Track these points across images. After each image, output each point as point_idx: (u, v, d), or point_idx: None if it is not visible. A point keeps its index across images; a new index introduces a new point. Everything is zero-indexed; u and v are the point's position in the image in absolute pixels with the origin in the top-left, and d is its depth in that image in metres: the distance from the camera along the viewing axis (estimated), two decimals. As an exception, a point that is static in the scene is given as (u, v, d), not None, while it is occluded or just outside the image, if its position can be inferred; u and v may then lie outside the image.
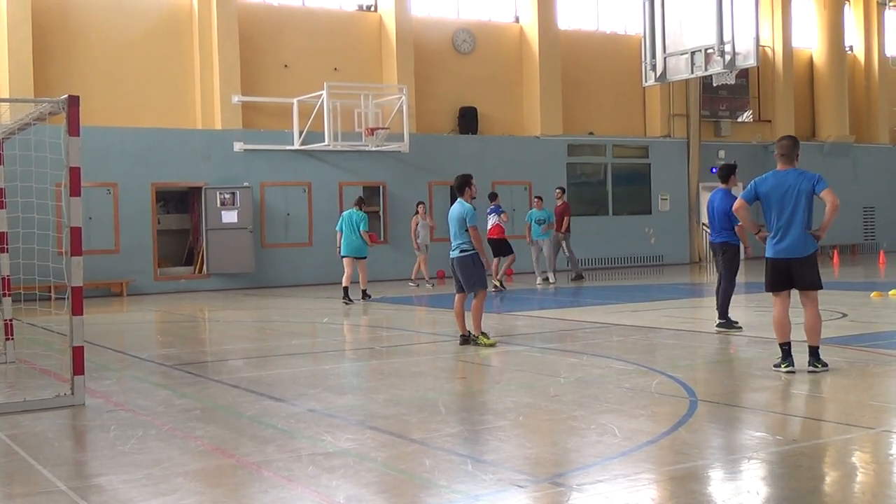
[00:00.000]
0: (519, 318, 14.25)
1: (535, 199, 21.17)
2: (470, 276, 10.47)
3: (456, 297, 10.77)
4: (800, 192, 8.11)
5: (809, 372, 8.12)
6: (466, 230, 10.39)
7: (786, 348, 8.26)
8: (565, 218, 20.95)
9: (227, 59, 21.56)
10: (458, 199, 10.63)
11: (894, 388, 8.00)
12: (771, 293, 8.42)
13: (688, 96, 27.65)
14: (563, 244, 21.20)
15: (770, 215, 8.26)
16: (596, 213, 26.46)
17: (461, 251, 10.45)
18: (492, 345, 10.39)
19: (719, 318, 11.41)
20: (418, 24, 24.32)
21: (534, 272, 21.09)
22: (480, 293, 10.50)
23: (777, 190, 8.17)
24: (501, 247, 19.15)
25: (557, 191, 21.71)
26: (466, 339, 10.59)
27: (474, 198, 10.68)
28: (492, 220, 19.27)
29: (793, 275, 8.25)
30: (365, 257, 17.32)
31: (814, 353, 8.23)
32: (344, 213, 17.72)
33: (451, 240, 10.58)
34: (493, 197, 19.93)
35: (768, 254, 8.35)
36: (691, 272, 24.51)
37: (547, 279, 20.58)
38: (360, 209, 17.27)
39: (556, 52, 25.82)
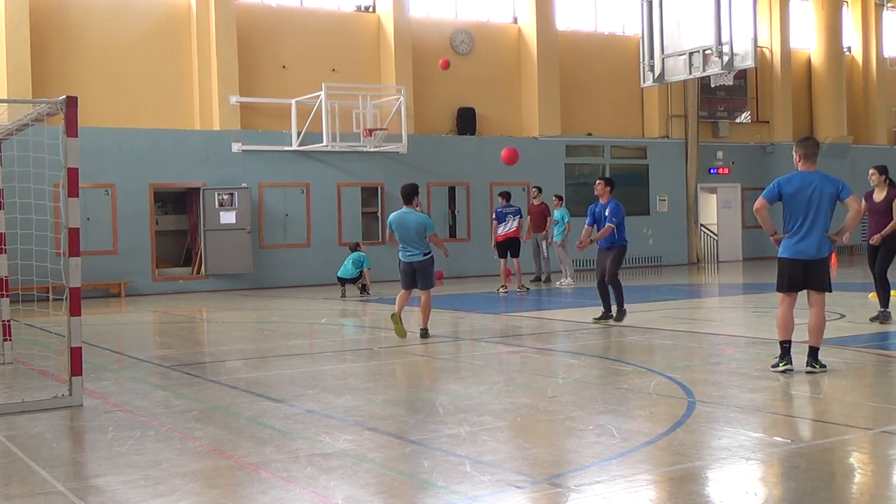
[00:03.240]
0: (517, 318, 14.25)
1: (554, 199, 20.97)
2: (431, 276, 11.63)
3: (401, 293, 11.66)
4: (824, 194, 8.14)
5: (807, 372, 8.13)
6: (426, 237, 11.44)
7: (786, 346, 8.27)
8: (547, 218, 20.71)
9: (225, 60, 21.56)
10: (407, 208, 11.47)
11: (892, 388, 8.01)
12: (780, 293, 8.42)
13: (686, 97, 27.67)
14: (542, 245, 21.00)
15: (792, 216, 8.24)
16: (594, 214, 26.42)
17: (424, 255, 11.50)
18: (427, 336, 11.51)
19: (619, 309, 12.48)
20: (416, 24, 24.32)
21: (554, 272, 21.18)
22: (430, 291, 11.67)
23: (803, 191, 8.16)
24: (514, 246, 19.03)
25: (534, 190, 21.09)
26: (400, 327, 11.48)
27: (419, 206, 11.87)
28: (514, 223, 19.01)
29: (806, 276, 8.27)
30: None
31: (813, 353, 8.24)
32: (352, 254, 18.95)
33: (406, 245, 11.44)
34: (507, 196, 19.69)
35: (785, 254, 8.32)
36: (689, 273, 24.52)
37: (556, 280, 20.40)
38: (359, 250, 19.12)
39: (554, 53, 25.83)
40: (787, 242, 8.30)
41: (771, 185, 8.40)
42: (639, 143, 27.68)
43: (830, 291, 8.34)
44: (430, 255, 11.57)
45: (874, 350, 9.77)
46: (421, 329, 11.54)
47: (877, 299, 11.94)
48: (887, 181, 11.66)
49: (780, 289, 8.42)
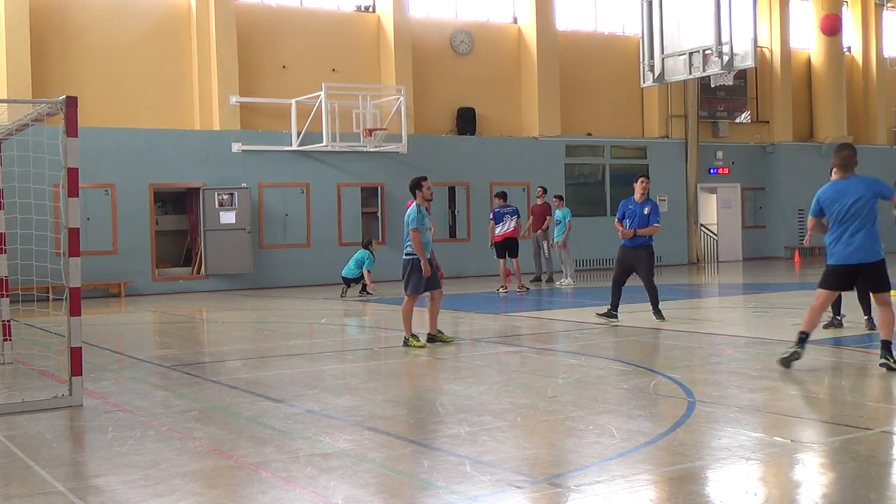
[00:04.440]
0: (517, 318, 14.25)
1: (555, 199, 21.00)
2: (405, 278, 10.65)
3: (427, 297, 10.90)
4: (862, 198, 8.18)
5: (882, 364, 8.11)
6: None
7: (803, 337, 8.32)
8: (547, 218, 20.82)
9: (225, 60, 21.56)
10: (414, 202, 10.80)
11: (892, 388, 8.01)
12: (822, 290, 8.45)
13: (686, 97, 27.67)
14: (543, 245, 21.10)
15: (832, 224, 8.29)
16: (594, 214, 26.45)
17: (405, 253, 10.68)
18: (421, 346, 10.54)
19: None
20: (416, 24, 24.33)
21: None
22: (411, 297, 10.64)
23: (840, 199, 8.22)
24: (513, 246, 19.05)
25: (539, 189, 21.27)
26: (433, 338, 10.84)
27: (429, 199, 10.84)
28: (511, 223, 19.05)
29: (862, 280, 8.42)
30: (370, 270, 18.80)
31: (887, 346, 8.25)
32: (358, 252, 18.99)
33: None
34: (503, 196, 19.75)
35: (831, 261, 8.37)
36: (689, 273, 24.52)
37: (557, 280, 20.51)
38: (370, 248, 18.94)
39: (554, 53, 25.83)
40: (833, 250, 8.34)
41: (813, 200, 8.51)
42: (639, 143, 27.68)
43: (891, 290, 8.44)
44: (410, 256, 10.57)
45: (874, 350, 9.75)
46: (403, 338, 10.74)
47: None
48: None
49: (824, 287, 8.46)
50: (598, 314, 12.81)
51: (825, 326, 11.08)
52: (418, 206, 10.62)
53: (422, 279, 10.61)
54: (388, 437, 6.31)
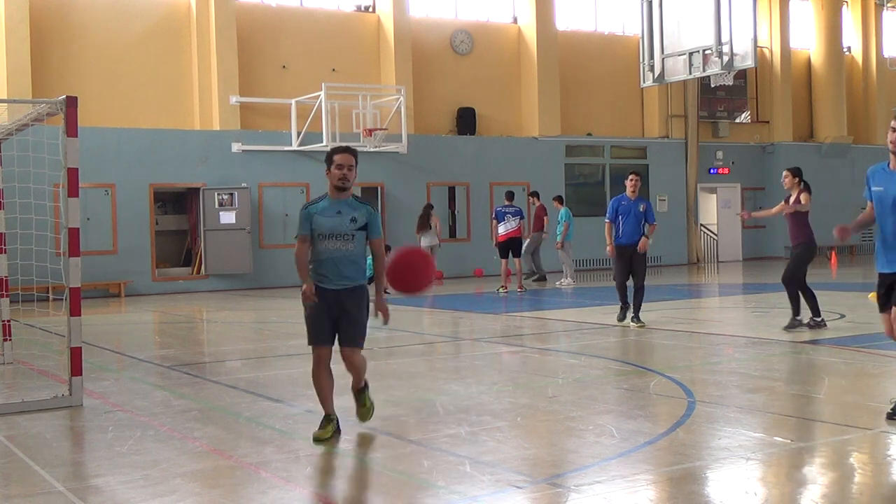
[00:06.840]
0: (517, 318, 14.25)
1: (554, 200, 21.01)
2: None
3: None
4: None
5: None
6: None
7: None
8: (543, 218, 20.89)
9: (225, 60, 21.56)
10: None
11: (892, 388, 8.00)
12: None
13: (686, 97, 27.67)
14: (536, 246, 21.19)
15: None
16: (594, 214, 26.39)
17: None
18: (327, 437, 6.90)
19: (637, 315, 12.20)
20: (416, 24, 24.32)
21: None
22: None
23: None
24: (516, 246, 19.08)
25: (531, 197, 21.43)
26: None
27: (338, 186, 6.51)
28: (513, 223, 19.07)
29: None
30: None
31: None
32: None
33: None
34: (510, 196, 19.68)
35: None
36: (689, 273, 24.52)
37: (556, 280, 20.59)
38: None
39: (554, 53, 25.83)
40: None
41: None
42: (639, 143, 27.67)
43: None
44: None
45: (874, 350, 9.76)
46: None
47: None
48: (801, 183, 11.63)
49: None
50: (619, 320, 12.51)
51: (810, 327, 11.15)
52: (325, 197, 6.65)
53: (314, 317, 6.60)
54: (388, 437, 6.31)
